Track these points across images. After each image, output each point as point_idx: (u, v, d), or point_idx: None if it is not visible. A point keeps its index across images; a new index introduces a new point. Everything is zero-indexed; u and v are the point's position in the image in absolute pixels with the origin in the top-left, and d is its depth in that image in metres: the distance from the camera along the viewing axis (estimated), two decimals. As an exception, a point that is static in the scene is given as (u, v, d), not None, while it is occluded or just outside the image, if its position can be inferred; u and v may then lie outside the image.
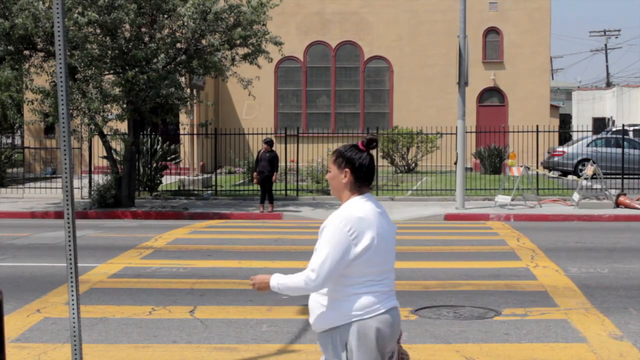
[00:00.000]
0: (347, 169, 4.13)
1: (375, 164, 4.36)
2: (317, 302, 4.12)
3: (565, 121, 51.87)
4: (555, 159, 29.96)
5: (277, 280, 4.11)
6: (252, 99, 24.81)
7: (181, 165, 28.84)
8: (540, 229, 16.63)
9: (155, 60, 18.81)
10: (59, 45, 5.14)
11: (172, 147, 25.98)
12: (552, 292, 9.59)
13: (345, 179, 4.15)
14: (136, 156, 21.43)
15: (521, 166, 20.52)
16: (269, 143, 19.54)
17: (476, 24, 33.72)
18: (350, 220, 4.02)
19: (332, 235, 4.01)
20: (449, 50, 30.44)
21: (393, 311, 4.12)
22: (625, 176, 24.21)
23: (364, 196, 4.15)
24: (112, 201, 20.09)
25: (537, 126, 24.51)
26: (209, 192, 23.85)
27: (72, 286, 5.29)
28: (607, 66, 68.34)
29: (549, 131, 26.73)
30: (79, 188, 22.13)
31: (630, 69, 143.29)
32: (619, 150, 25.54)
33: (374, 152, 4.32)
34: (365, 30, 35.59)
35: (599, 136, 32.72)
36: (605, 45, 68.24)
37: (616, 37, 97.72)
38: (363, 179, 4.14)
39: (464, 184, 20.18)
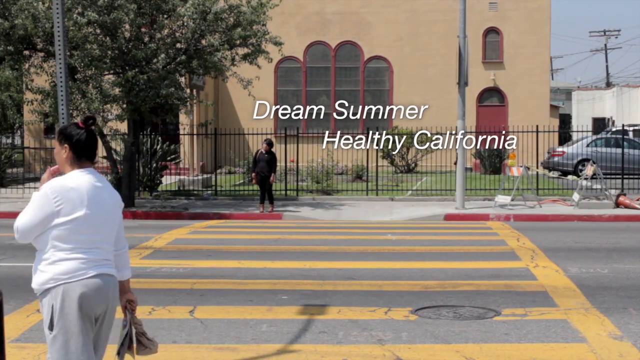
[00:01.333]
0: (66, 145, 4.51)
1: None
2: (36, 266, 4.46)
3: (565, 121, 51.86)
4: (555, 159, 29.95)
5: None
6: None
7: (181, 165, 28.82)
8: (540, 229, 16.63)
9: (155, 60, 18.81)
10: (59, 45, 5.13)
11: (172, 147, 25.96)
12: (552, 292, 9.59)
13: (65, 154, 4.52)
14: (136, 156, 21.42)
15: (521, 166, 20.52)
16: (270, 144, 19.55)
17: (476, 24, 33.71)
18: (59, 190, 4.38)
19: (39, 200, 4.37)
20: (449, 50, 30.43)
21: (103, 277, 4.45)
22: (625, 176, 24.21)
23: (84, 170, 4.51)
24: (112, 201, 20.07)
25: (537, 126, 24.49)
26: (209, 192, 23.85)
27: (72, 286, 5.29)
28: (607, 66, 68.33)
29: (549, 131, 26.70)
30: (78, 188, 22.09)
31: (630, 69, 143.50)
32: (619, 150, 25.53)
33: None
34: (365, 30, 35.58)
35: (599, 136, 32.71)
36: (605, 45, 68.25)
37: (616, 37, 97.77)
38: (81, 153, 4.51)
39: (464, 184, 20.18)
